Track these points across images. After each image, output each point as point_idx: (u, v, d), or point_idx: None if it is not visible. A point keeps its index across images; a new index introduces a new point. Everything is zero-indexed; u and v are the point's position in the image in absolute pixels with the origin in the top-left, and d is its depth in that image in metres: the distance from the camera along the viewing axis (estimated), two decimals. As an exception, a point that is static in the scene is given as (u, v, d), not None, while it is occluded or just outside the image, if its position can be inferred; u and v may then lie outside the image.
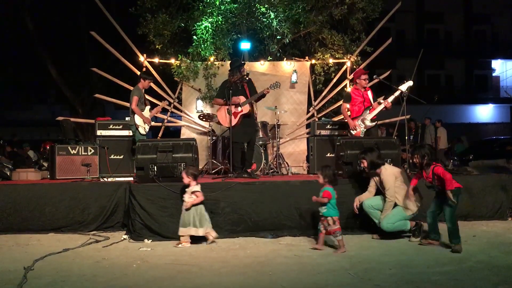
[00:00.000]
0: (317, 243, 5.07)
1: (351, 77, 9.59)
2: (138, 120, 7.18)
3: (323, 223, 5.00)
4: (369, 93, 7.15)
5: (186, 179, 5.37)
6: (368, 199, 5.50)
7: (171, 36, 10.20)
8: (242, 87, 6.94)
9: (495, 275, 3.99)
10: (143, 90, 7.48)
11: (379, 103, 6.97)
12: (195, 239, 5.34)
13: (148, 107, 7.45)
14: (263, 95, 6.97)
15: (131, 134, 7.74)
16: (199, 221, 5.28)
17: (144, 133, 7.25)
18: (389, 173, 5.35)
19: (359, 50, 10.17)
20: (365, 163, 5.46)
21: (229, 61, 9.48)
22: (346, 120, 7.31)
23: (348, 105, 7.30)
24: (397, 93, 6.83)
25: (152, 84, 9.45)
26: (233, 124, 6.81)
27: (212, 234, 5.36)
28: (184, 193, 5.41)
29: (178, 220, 5.68)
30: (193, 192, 5.31)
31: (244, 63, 7.23)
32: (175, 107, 9.63)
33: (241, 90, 6.93)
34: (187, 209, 5.28)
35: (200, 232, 5.29)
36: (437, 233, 5.10)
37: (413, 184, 5.21)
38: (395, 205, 5.31)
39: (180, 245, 5.27)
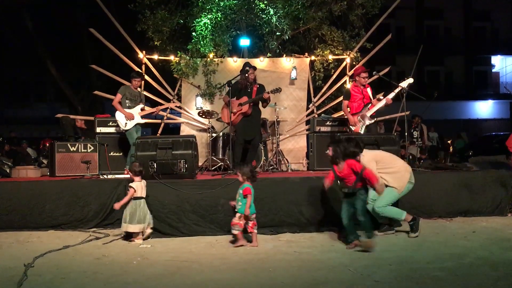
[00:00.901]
0: (239, 239, 5.11)
1: (351, 73, 9.59)
2: (117, 115, 7.33)
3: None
4: (369, 90, 7.17)
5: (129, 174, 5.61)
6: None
7: (170, 33, 10.20)
8: (250, 90, 7.10)
9: (494, 271, 3.99)
10: (140, 88, 7.53)
11: (379, 100, 6.98)
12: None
13: (140, 106, 7.47)
14: (263, 99, 7.06)
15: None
16: (135, 217, 5.31)
17: (125, 128, 7.32)
18: (367, 159, 5.17)
19: (358, 46, 10.16)
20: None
21: (229, 58, 9.60)
22: (346, 117, 7.31)
23: (347, 102, 7.30)
24: (397, 90, 6.83)
25: (152, 81, 9.46)
26: (231, 120, 6.91)
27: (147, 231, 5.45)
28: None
29: (178, 217, 5.72)
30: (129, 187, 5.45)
31: (255, 68, 7.28)
32: (174, 104, 9.63)
33: (249, 92, 7.09)
34: (125, 205, 5.36)
35: (130, 228, 5.32)
36: (356, 233, 4.88)
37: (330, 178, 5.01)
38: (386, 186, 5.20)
39: (133, 241, 5.32)
